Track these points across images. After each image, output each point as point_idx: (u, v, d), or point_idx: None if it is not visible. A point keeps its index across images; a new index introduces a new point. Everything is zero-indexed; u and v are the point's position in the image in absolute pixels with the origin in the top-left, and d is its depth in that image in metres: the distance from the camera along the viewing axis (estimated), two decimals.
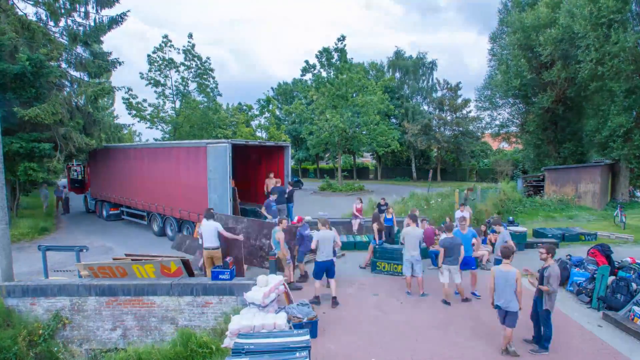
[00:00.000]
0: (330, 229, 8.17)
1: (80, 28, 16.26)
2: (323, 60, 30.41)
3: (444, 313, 7.53)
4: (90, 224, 17.67)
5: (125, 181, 16.51)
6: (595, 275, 8.09)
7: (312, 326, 6.40)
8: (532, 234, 13.47)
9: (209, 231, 8.33)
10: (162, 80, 26.28)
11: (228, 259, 7.85)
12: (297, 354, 4.76)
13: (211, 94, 26.96)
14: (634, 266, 8.55)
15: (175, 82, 26.84)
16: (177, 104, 27.45)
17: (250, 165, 15.72)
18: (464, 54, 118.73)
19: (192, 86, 27.11)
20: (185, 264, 7.94)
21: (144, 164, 15.37)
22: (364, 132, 32.04)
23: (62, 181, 13.57)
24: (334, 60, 30.02)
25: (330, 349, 6.18)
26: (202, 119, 25.42)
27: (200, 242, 8.78)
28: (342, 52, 29.48)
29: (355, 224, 13.81)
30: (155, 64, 25.73)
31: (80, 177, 21.54)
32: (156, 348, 6.82)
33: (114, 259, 8.51)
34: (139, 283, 7.50)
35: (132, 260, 7.96)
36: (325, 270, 7.85)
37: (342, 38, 29.35)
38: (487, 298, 7.15)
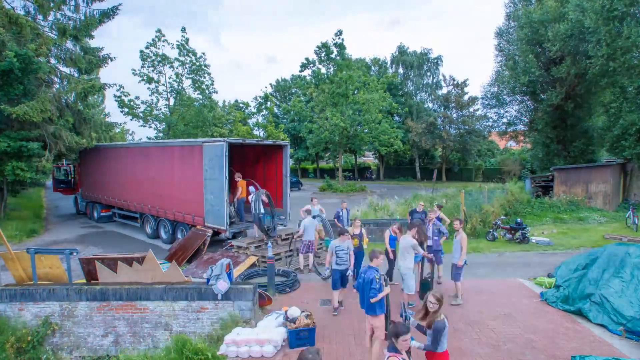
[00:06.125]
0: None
1: (70, 22, 15.80)
2: (322, 55, 29.75)
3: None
4: (81, 225, 17.20)
5: (117, 182, 16.09)
6: None
7: (309, 334, 6.35)
8: None
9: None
10: (155, 77, 25.69)
11: (224, 261, 7.33)
12: None
13: (206, 90, 26.35)
14: None
15: (169, 78, 26.29)
16: (172, 101, 26.88)
17: (248, 165, 15.21)
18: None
19: (187, 83, 26.59)
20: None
21: (136, 164, 14.95)
22: (366, 131, 31.38)
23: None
24: (333, 56, 29.35)
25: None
26: (197, 116, 24.83)
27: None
28: (340, 46, 28.81)
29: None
30: (148, 60, 25.11)
31: (70, 177, 21.03)
32: (149, 355, 6.58)
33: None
34: (132, 287, 7.22)
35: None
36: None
37: (339, 33, 28.70)
38: None
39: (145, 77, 25.24)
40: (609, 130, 19.58)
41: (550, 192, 20.38)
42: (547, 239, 13.25)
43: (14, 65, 13.15)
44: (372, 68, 42.61)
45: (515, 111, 26.87)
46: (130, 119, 26.02)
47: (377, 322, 5.50)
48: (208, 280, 7.16)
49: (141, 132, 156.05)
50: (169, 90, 26.52)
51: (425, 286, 7.86)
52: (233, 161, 14.34)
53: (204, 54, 26.15)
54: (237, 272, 9.20)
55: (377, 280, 5.41)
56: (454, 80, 38.31)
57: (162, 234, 14.03)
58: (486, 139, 39.29)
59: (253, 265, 10.20)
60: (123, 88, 24.81)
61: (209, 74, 26.42)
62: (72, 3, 15.63)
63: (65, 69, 16.62)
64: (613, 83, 18.50)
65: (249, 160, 14.94)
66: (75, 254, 8.37)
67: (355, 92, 30.50)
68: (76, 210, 20.31)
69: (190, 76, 26.13)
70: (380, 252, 5.83)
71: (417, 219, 9.89)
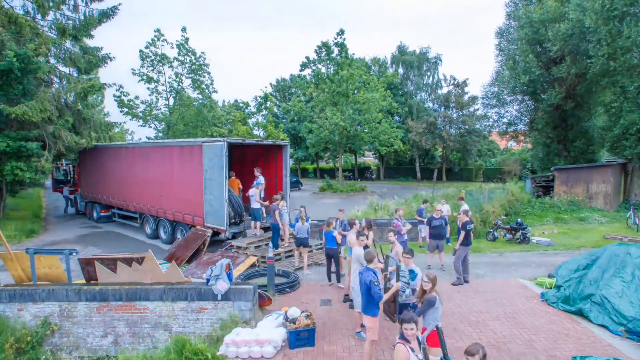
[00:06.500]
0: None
1: (70, 22, 15.77)
2: (322, 55, 29.63)
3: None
4: (80, 225, 17.15)
5: (116, 182, 16.04)
6: None
7: (309, 334, 6.34)
8: None
9: None
10: (155, 77, 25.64)
11: (223, 261, 7.31)
12: None
13: (206, 90, 26.28)
14: None
15: (169, 78, 26.22)
16: (171, 101, 26.82)
17: (247, 165, 15.18)
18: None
19: (187, 82, 26.53)
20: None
21: (136, 164, 14.90)
22: (366, 131, 31.31)
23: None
24: (334, 55, 29.23)
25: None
26: (197, 116, 24.77)
27: None
28: (342, 46, 28.69)
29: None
30: (148, 60, 25.05)
31: (69, 177, 20.97)
32: (149, 356, 6.56)
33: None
34: (131, 288, 7.20)
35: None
36: None
37: (341, 32, 28.56)
38: None
39: (144, 77, 25.19)
40: (609, 130, 19.55)
41: (551, 192, 20.33)
42: (548, 239, 13.23)
43: (14, 65, 13.10)
44: (372, 68, 42.50)
45: (516, 111, 26.84)
46: (130, 119, 25.88)
47: (370, 323, 5.54)
48: (208, 280, 7.13)
49: (141, 132, 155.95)
50: (168, 90, 26.47)
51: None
52: (233, 161, 14.30)
53: (203, 53, 26.09)
54: (236, 272, 9.18)
55: (376, 283, 5.41)
56: (454, 80, 38.25)
57: (162, 234, 13.97)
58: (486, 138, 39.24)
59: (253, 265, 10.18)
60: (122, 88, 24.79)
61: (209, 73, 26.37)
62: (72, 3, 15.62)
63: (65, 69, 16.59)
64: (613, 83, 18.46)
65: (248, 160, 14.90)
66: (74, 254, 8.34)
67: (356, 92, 30.42)
68: (76, 210, 20.24)
69: (190, 76, 26.07)
70: (374, 255, 5.83)
71: (436, 225, 9.98)
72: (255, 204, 11.66)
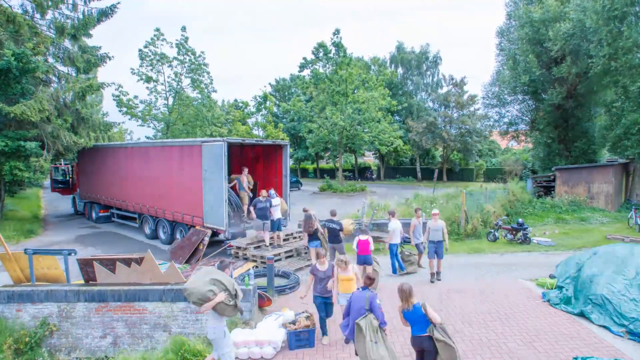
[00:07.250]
0: None
1: (68, 21, 15.72)
2: (320, 55, 29.53)
3: None
4: (79, 226, 17.11)
5: (115, 182, 16.02)
6: None
7: (309, 335, 6.31)
8: None
9: None
10: (154, 76, 25.59)
11: (221, 262, 7.27)
12: None
13: (205, 90, 26.22)
14: None
15: (168, 77, 26.18)
16: (170, 100, 26.76)
17: (247, 165, 15.14)
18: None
19: (186, 82, 26.49)
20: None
21: (135, 164, 14.88)
22: (366, 130, 31.25)
23: None
24: (331, 55, 29.11)
25: None
26: (196, 116, 24.71)
27: None
28: (339, 45, 28.57)
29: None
30: (147, 59, 25.00)
31: (68, 177, 20.92)
32: (147, 357, 6.50)
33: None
34: (130, 288, 7.18)
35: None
36: None
37: (337, 32, 28.45)
38: None
39: (143, 77, 25.13)
40: (610, 130, 19.46)
41: (552, 192, 20.24)
42: (549, 240, 13.17)
43: (12, 64, 13.07)
44: (372, 67, 42.38)
45: (517, 111, 26.76)
46: (129, 119, 25.85)
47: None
48: None
49: (140, 132, 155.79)
50: (167, 90, 26.42)
51: None
52: (232, 161, 14.26)
53: (202, 52, 26.04)
54: (236, 273, 9.13)
55: None
56: (452, 79, 38.21)
57: (161, 235, 13.95)
58: (487, 138, 39.16)
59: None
60: (122, 87, 24.74)
61: (208, 72, 26.30)
62: (70, 2, 15.58)
63: (64, 68, 16.56)
64: (615, 82, 18.38)
65: (248, 160, 14.86)
66: (73, 254, 8.32)
67: (355, 91, 30.34)
68: (75, 210, 20.20)
69: (190, 75, 26.01)
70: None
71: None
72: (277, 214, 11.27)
